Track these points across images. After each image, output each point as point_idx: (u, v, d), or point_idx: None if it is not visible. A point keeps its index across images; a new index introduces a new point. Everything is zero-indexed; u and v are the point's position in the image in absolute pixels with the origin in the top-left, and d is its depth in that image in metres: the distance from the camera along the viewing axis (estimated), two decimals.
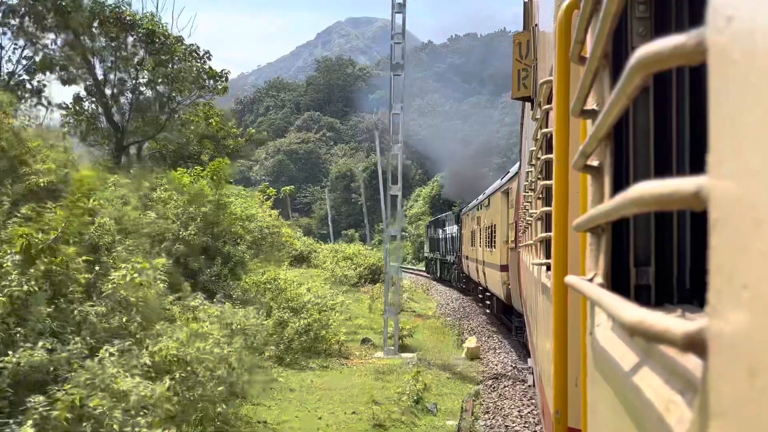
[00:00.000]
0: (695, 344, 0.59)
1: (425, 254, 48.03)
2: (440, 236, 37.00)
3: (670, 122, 1.37)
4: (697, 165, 1.25)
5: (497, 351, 16.11)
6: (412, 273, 44.18)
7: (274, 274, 16.25)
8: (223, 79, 23.28)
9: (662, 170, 1.35)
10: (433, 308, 24.82)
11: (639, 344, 1.02)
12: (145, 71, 20.94)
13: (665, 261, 1.39)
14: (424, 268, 47.92)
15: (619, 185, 1.31)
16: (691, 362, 0.76)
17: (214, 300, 11.78)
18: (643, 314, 0.69)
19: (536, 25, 5.27)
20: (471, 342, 15.63)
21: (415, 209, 71.84)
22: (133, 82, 21.23)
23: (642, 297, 1.40)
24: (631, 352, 1.07)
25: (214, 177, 18.67)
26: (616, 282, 1.42)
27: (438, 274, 38.79)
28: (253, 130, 31.70)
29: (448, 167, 77.35)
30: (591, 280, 1.39)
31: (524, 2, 7.77)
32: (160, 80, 21.22)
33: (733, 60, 0.54)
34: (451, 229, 32.55)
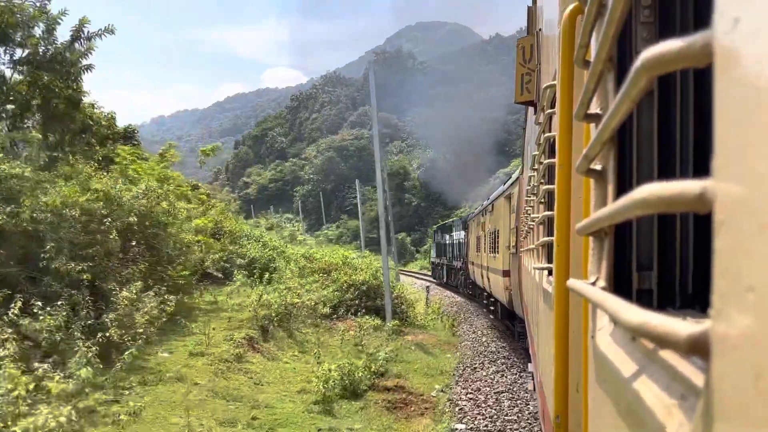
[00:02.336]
0: (699, 347, 0.59)
1: (432, 259, 48.00)
2: (447, 242, 37.15)
3: (674, 126, 1.36)
4: (700, 169, 1.24)
5: None
6: (421, 278, 44.18)
7: None
8: None
9: (665, 174, 1.35)
10: (448, 373, 13.06)
11: (641, 348, 1.01)
12: None
13: (668, 266, 1.39)
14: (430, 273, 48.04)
15: (622, 189, 1.31)
16: (693, 366, 0.76)
17: None
18: (646, 316, 0.69)
19: (540, 29, 5.27)
20: None
21: (474, 208, 68.33)
22: None
23: (644, 301, 1.39)
24: (632, 356, 1.06)
25: None
26: (619, 286, 1.41)
27: (444, 279, 38.93)
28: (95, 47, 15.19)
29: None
30: (593, 284, 1.39)
31: (528, 6, 7.78)
32: None
33: (740, 62, 0.53)
34: (458, 235, 32.60)
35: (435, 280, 42.71)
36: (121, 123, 19.29)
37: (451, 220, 38.91)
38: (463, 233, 31.01)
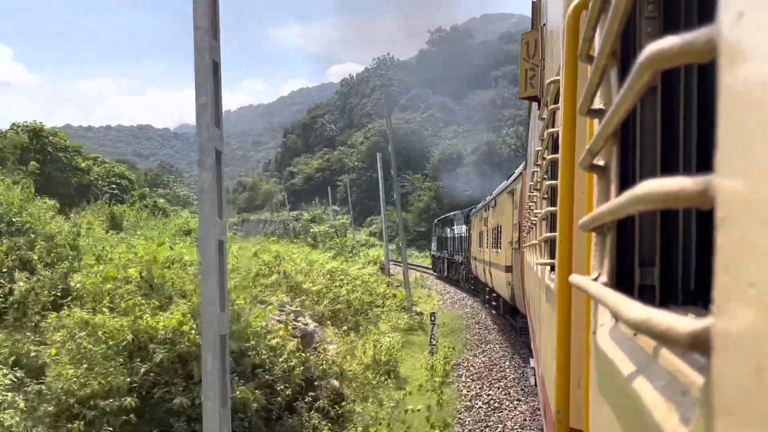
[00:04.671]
0: (700, 343, 0.59)
1: (432, 252, 47.69)
2: (448, 235, 36.97)
3: (677, 121, 1.36)
4: (704, 165, 1.24)
5: None
6: (420, 270, 44.00)
7: None
8: None
9: (669, 170, 1.35)
10: None
11: (643, 344, 1.01)
12: None
13: (670, 262, 1.39)
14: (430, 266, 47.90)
15: (625, 184, 1.30)
16: (695, 362, 0.76)
17: None
18: (647, 312, 0.69)
19: (544, 24, 5.26)
20: None
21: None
22: None
23: (646, 297, 1.39)
24: (634, 352, 1.06)
25: None
26: (621, 282, 1.41)
27: (445, 273, 38.86)
28: None
29: None
30: (595, 279, 1.39)
31: (532, 2, 7.75)
32: None
33: (743, 57, 0.53)
34: (460, 229, 32.47)
35: (435, 273, 42.70)
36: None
37: (452, 213, 38.64)
38: (464, 227, 30.92)
